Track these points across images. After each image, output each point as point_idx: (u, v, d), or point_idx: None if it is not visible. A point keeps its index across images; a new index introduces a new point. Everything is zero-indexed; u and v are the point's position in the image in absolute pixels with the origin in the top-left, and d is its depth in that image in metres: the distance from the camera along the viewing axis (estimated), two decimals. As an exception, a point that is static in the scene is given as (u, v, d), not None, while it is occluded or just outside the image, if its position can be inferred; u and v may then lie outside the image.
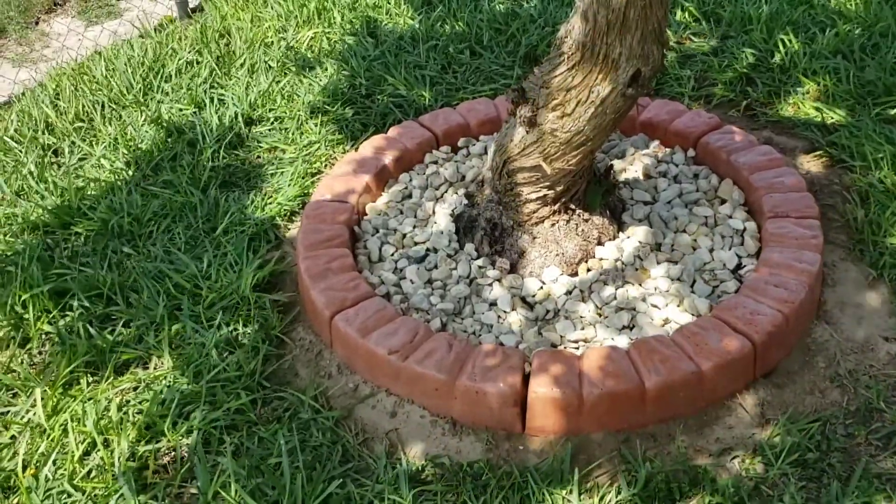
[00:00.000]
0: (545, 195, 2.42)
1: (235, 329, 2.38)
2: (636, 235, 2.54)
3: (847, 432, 1.99)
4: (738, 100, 3.18)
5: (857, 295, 2.36)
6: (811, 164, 2.85)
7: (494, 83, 3.38)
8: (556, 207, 2.46)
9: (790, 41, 3.29)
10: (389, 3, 3.95)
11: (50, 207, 2.85)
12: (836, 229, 2.58)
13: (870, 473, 1.87)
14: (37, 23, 4.40)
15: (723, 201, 2.67)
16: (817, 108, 3.03)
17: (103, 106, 3.42)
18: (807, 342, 2.24)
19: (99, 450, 2.04)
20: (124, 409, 2.16)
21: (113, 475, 1.98)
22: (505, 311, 2.36)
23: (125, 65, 3.58)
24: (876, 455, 1.93)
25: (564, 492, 1.89)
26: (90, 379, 2.27)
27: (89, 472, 2.01)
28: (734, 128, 2.85)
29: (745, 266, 2.43)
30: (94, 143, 3.24)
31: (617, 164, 2.80)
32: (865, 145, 2.77)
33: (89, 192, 2.96)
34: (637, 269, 2.45)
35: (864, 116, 2.93)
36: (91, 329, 2.39)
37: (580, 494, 1.89)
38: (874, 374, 2.13)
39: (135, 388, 2.24)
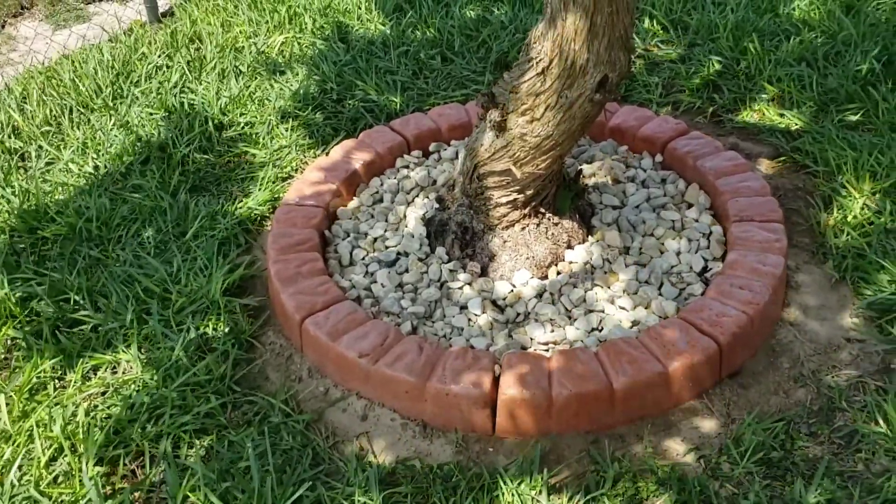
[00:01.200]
0: (515, 199, 2.44)
1: (205, 333, 2.37)
2: (605, 239, 2.57)
3: (810, 431, 2.03)
4: (704, 106, 3.23)
5: (820, 297, 2.41)
6: (776, 169, 2.91)
7: (465, 89, 3.40)
8: (526, 211, 2.48)
9: (755, 49, 3.35)
10: (360, 9, 3.96)
11: (16, 211, 2.82)
12: (799, 233, 2.63)
13: (832, 471, 1.91)
14: (3, 26, 4.35)
15: (689, 205, 2.71)
16: (781, 115, 3.09)
17: (71, 110, 3.39)
18: (771, 343, 2.28)
19: (66, 455, 2.02)
20: (92, 413, 2.14)
21: (80, 480, 1.96)
22: (475, 314, 2.38)
23: (94, 69, 3.56)
24: (839, 453, 1.97)
25: (534, 492, 1.91)
26: (57, 384, 2.25)
27: (56, 477, 1.99)
28: (701, 133, 2.89)
29: (710, 269, 2.47)
30: (62, 147, 3.21)
31: (586, 169, 2.83)
32: (828, 151, 2.83)
33: (57, 197, 2.93)
34: (606, 273, 2.48)
35: (827, 123, 2.99)
36: (58, 334, 2.37)
37: (549, 495, 1.91)
38: (837, 374, 2.17)
39: (103, 393, 2.22)
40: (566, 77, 2.12)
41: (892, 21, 3.41)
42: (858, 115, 3.01)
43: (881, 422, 1.98)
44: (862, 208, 2.62)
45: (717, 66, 3.36)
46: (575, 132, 2.24)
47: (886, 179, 2.69)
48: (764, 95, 3.18)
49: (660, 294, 2.40)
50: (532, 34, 2.18)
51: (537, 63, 2.15)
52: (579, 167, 2.75)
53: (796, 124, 3.03)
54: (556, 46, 2.09)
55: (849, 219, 2.58)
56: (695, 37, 3.57)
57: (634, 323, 2.33)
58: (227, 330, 2.38)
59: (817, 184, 2.79)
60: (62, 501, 1.92)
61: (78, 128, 3.30)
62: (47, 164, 3.14)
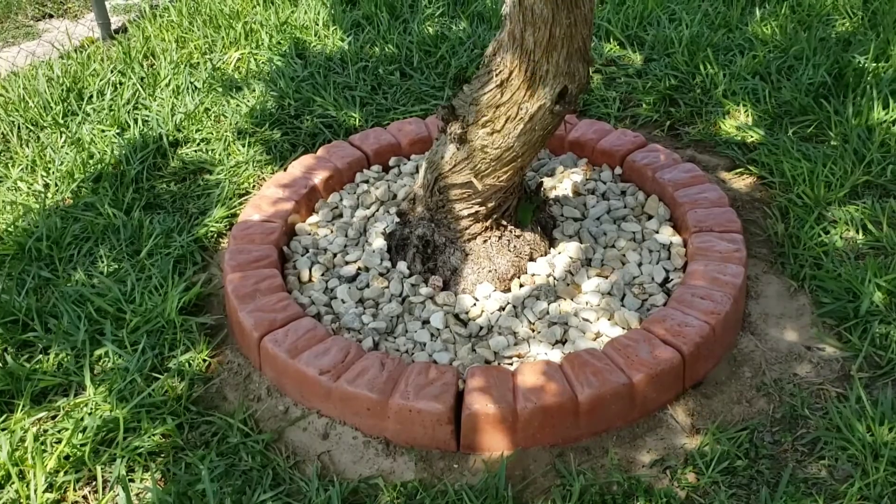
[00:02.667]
0: (477, 211, 2.42)
1: (161, 353, 2.30)
2: (567, 251, 2.56)
3: (774, 439, 2.03)
4: (661, 120, 3.25)
5: (779, 306, 2.42)
6: (733, 180, 2.93)
7: (425, 104, 3.39)
8: (487, 224, 2.47)
9: (710, 64, 3.39)
10: (318, 25, 3.94)
11: (-38, 231, 2.74)
12: (758, 243, 2.65)
13: (797, 479, 1.91)
14: (-50, 43, 4.24)
15: (649, 217, 2.72)
16: (738, 128, 3.12)
17: (20, 128, 3.30)
18: (733, 353, 2.29)
19: (13, 482, 1.94)
20: (41, 438, 2.06)
21: (29, 508, 1.88)
22: (438, 329, 2.35)
23: (44, 86, 3.47)
24: (802, 461, 1.97)
25: (500, 508, 1.88)
26: (4, 409, 2.16)
27: (3, 505, 1.91)
28: (658, 146, 2.91)
29: (671, 280, 2.48)
30: (10, 165, 3.12)
31: (547, 182, 2.83)
32: (784, 162, 2.86)
33: (5, 216, 2.84)
34: (569, 285, 2.47)
35: (782, 135, 3.03)
36: (6, 356, 2.29)
37: (516, 510, 1.88)
38: (798, 383, 2.18)
39: (53, 417, 2.14)
40: (526, 89, 2.11)
41: (841, 35, 3.49)
42: (812, 127, 3.06)
43: (843, 428, 1.99)
44: (817, 218, 2.65)
45: (673, 81, 3.40)
46: (535, 143, 2.24)
47: (840, 189, 2.73)
48: (720, 109, 3.22)
49: (622, 305, 2.40)
50: (491, 46, 2.17)
51: (497, 75, 2.14)
52: (540, 179, 2.75)
53: (752, 137, 3.07)
54: (516, 58, 2.08)
55: (805, 229, 2.60)
56: (651, 52, 3.60)
57: (598, 335, 2.32)
58: (183, 349, 2.31)
59: (773, 195, 2.82)
60: (9, 530, 1.84)
61: (27, 145, 3.22)
62: (-5, 182, 3.05)
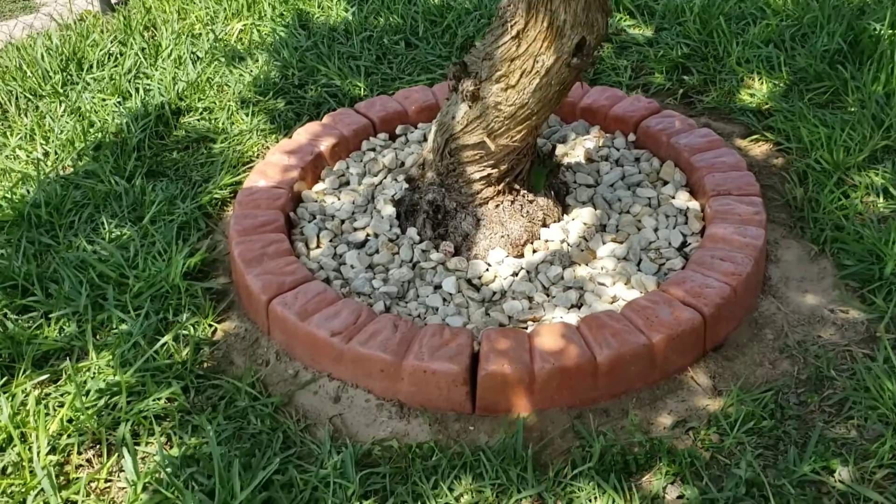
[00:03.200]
0: (489, 174, 2.36)
1: (165, 318, 2.24)
2: (581, 217, 2.50)
3: (800, 400, 1.97)
4: (674, 88, 3.19)
5: (800, 269, 2.36)
6: (749, 147, 2.87)
7: (431, 73, 3.32)
8: (500, 188, 2.40)
9: (723, 31, 3.32)
10: (322, -4, 3.87)
11: (-40, 198, 2.67)
12: (776, 208, 2.58)
13: (825, 438, 1.85)
14: (-54, 17, 4.16)
15: (665, 183, 2.66)
16: (752, 95, 3.06)
17: (17, 97, 3.23)
18: (754, 316, 2.22)
19: (15, 445, 1.87)
20: (44, 402, 1.99)
21: (31, 471, 1.81)
22: (450, 294, 2.29)
23: (42, 55, 3.40)
24: (829, 421, 1.91)
25: (518, 469, 1.81)
26: (5, 373, 2.09)
27: (4, 468, 1.84)
28: (673, 112, 2.85)
29: (689, 244, 2.41)
30: (8, 133, 3.05)
31: (559, 149, 2.76)
32: (801, 128, 2.80)
33: (4, 183, 2.77)
34: (583, 250, 2.41)
35: (798, 101, 2.97)
36: (6, 321, 2.22)
37: (535, 471, 1.82)
38: (822, 345, 2.12)
39: (55, 381, 2.08)
40: (542, 40, 2.05)
41: (854, 2, 3.42)
42: (828, 93, 3.00)
43: (872, 388, 1.93)
44: (837, 182, 2.59)
45: (686, 50, 3.33)
46: (551, 100, 2.17)
47: (859, 154, 2.67)
48: (734, 77, 3.15)
49: (639, 270, 2.33)
50: (506, -2, 2.11)
51: (511, 26, 2.07)
52: (552, 144, 2.68)
53: (767, 104, 3.00)
54: (532, 8, 2.01)
55: (824, 193, 2.54)
56: (661, 21, 3.54)
57: (615, 299, 2.25)
58: (188, 314, 2.25)
59: (791, 160, 2.75)
60: (12, 492, 1.77)
61: (25, 114, 3.15)
62: (-7, 150, 2.97)
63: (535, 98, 2.15)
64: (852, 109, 2.89)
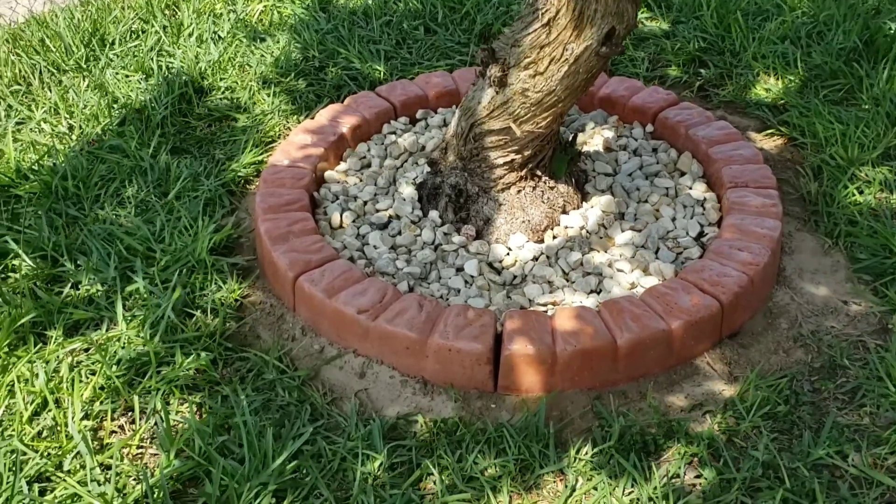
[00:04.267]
0: (512, 160, 2.40)
1: (192, 291, 2.28)
2: (600, 205, 2.54)
3: (814, 387, 2.03)
4: (691, 81, 3.23)
5: (814, 262, 2.41)
6: (764, 141, 2.92)
7: (450, 59, 3.35)
8: (522, 173, 2.44)
9: (740, 26, 3.37)
10: (342, -20, 3.89)
11: (-13, 169, 2.70)
12: (790, 202, 2.63)
13: (839, 424, 1.91)
14: (-35, -10, 4.17)
15: (682, 173, 2.70)
16: (767, 90, 3.10)
17: (41, 71, 3.26)
18: (769, 306, 2.28)
19: (50, 409, 1.92)
20: (76, 369, 2.04)
21: (66, 434, 1.86)
22: (472, 276, 2.33)
23: (64, 30, 3.42)
24: (843, 408, 1.97)
25: (540, 445, 1.87)
26: (38, 340, 2.14)
27: (40, 432, 1.88)
28: (691, 104, 2.89)
29: (706, 234, 2.46)
30: (32, 106, 3.08)
31: (578, 138, 2.80)
32: (816, 124, 2.84)
33: (30, 155, 2.81)
34: (602, 237, 2.46)
35: (813, 97, 3.01)
36: (36, 290, 2.26)
37: (556, 448, 1.87)
38: (836, 335, 2.17)
39: (86, 350, 2.12)
40: (573, 28, 2.09)
41: (869, 2, 3.47)
42: (843, 90, 3.04)
43: (885, 378, 1.98)
44: (851, 178, 2.64)
45: (702, 43, 3.37)
46: (578, 88, 2.21)
47: (873, 151, 2.72)
48: (750, 71, 3.20)
49: (657, 258, 2.38)
50: (538, -14, 2.14)
51: (543, 14, 2.11)
52: (572, 133, 2.72)
53: (782, 99, 3.05)
54: (565, -3, 2.05)
55: (838, 188, 2.59)
56: (678, 14, 3.57)
57: (633, 285, 2.30)
58: (214, 288, 2.29)
59: (805, 155, 2.80)
60: (49, 454, 1.82)
61: (49, 89, 3.17)
62: (17, 123, 3.00)
63: (562, 85, 2.19)
64: (867, 107, 2.94)
